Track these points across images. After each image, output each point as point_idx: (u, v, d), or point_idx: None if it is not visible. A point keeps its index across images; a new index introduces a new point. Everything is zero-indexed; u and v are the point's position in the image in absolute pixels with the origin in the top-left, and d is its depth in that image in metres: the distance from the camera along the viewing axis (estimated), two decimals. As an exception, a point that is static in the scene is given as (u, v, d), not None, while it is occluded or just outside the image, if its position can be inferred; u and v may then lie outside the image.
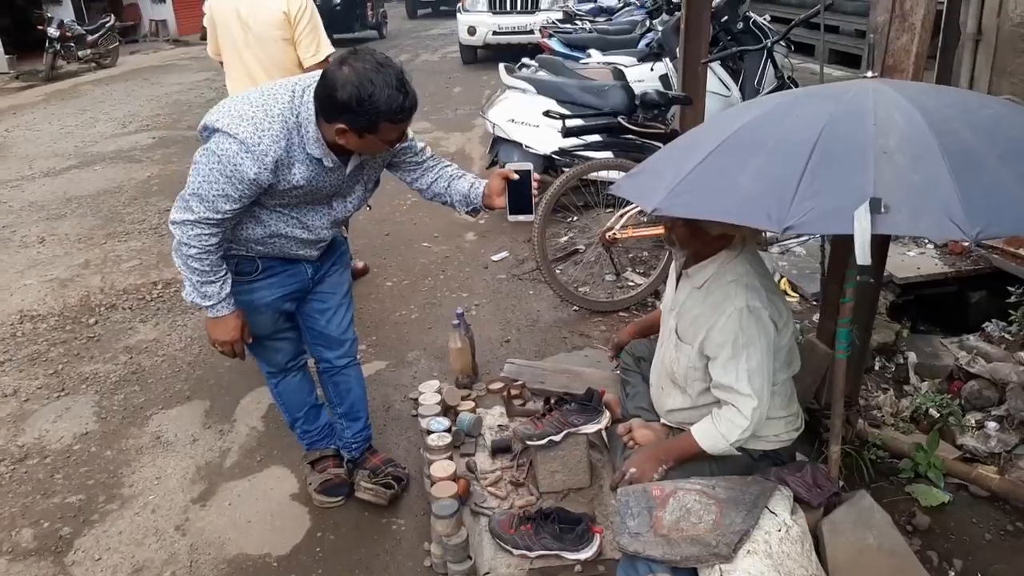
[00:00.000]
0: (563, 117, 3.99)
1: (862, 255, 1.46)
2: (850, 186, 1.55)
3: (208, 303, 2.18)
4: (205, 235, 2.08)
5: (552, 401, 2.91)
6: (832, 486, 2.16)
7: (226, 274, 2.20)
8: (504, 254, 4.83)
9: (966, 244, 3.97)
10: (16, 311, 4.38)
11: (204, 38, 3.99)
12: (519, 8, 12.14)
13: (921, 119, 1.63)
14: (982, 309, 3.81)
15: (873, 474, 2.64)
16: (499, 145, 5.41)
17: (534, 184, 2.35)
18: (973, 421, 3.05)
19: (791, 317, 2.24)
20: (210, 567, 2.48)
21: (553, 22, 9.53)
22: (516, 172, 2.33)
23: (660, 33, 5.91)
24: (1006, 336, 3.47)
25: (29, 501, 2.83)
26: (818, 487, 2.14)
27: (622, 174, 4.08)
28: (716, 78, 4.72)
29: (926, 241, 4.04)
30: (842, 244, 2.54)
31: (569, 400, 2.64)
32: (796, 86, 4.10)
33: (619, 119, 3.91)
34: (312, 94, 2.04)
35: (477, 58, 12.99)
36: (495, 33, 12.15)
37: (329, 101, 1.97)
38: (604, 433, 2.70)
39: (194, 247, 2.08)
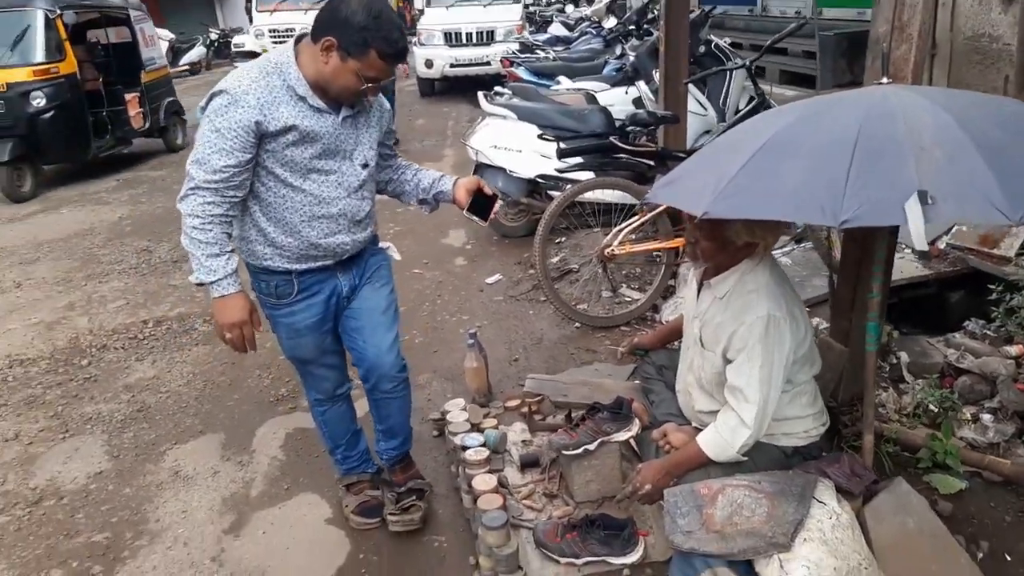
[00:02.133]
0: (558, 139, 4.11)
1: (919, 242, 1.57)
2: (896, 180, 1.66)
3: (214, 277, 2.12)
4: (208, 203, 2.08)
5: (571, 413, 2.99)
6: (869, 475, 2.26)
7: (232, 252, 2.18)
8: (498, 276, 4.90)
9: (942, 247, 4.19)
10: (3, 356, 4.27)
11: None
12: (475, 41, 12.35)
13: (949, 117, 1.76)
14: (961, 308, 4.00)
15: (892, 466, 2.76)
16: (482, 171, 5.49)
17: (496, 206, 2.58)
18: (969, 414, 3.20)
19: (809, 322, 2.35)
20: (254, 596, 2.46)
21: (514, 52, 9.74)
22: (490, 191, 2.54)
23: (635, 57, 6.11)
24: (988, 333, 3.66)
25: (53, 543, 2.76)
26: (856, 476, 2.24)
27: (617, 193, 4.23)
28: (693, 98, 4.91)
29: (904, 246, 4.25)
30: (854, 244, 2.68)
31: (601, 409, 2.70)
32: (771, 106, 4.29)
33: (611, 139, 4.03)
34: (291, 45, 2.14)
35: (435, 90, 13.15)
36: (452, 66, 12.32)
37: (330, 13, 2.05)
38: (633, 441, 2.77)
39: (198, 216, 2.08)
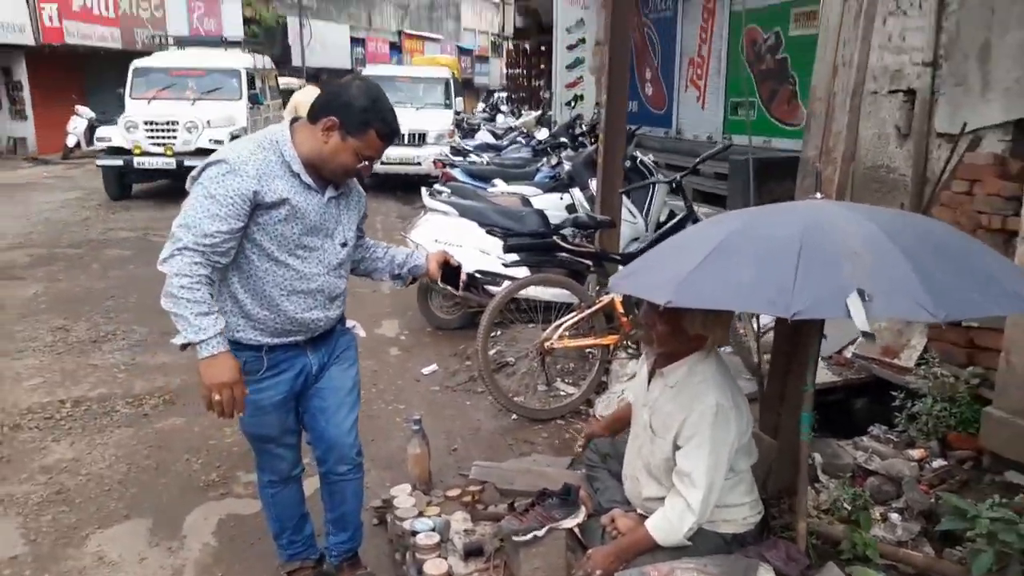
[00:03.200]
0: (506, 235, 4.32)
1: (864, 324, 1.78)
2: (837, 280, 1.89)
3: (204, 336, 2.10)
4: (195, 263, 2.10)
5: (514, 502, 3.05)
6: (804, 559, 2.41)
7: (220, 311, 2.19)
8: (434, 367, 4.97)
9: (849, 356, 4.54)
10: (-97, 433, 3.98)
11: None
12: (407, 142, 12.76)
13: (876, 229, 2.03)
14: (866, 414, 4.32)
15: (816, 557, 2.92)
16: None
17: (463, 275, 2.76)
18: (878, 513, 3.43)
19: (750, 413, 2.55)
20: None
21: (446, 155, 10.13)
22: (455, 262, 2.73)
23: (572, 166, 6.51)
24: (891, 437, 3.96)
25: (-36, 634, 2.56)
26: (793, 561, 2.39)
27: (552, 289, 4.44)
28: (625, 207, 5.26)
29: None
30: (784, 342, 2.92)
31: (550, 495, 2.78)
32: (699, 219, 4.66)
33: (555, 238, 4.27)
34: (287, 124, 2.27)
35: (364, 185, 13.33)
36: (383, 163, 12.62)
37: (333, 96, 2.23)
38: (577, 529, 2.84)
39: (185, 276, 2.09)
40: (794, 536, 2.60)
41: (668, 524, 2.35)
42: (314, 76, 13.17)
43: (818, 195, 2.43)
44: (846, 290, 1.83)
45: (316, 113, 2.24)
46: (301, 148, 2.24)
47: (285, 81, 18.34)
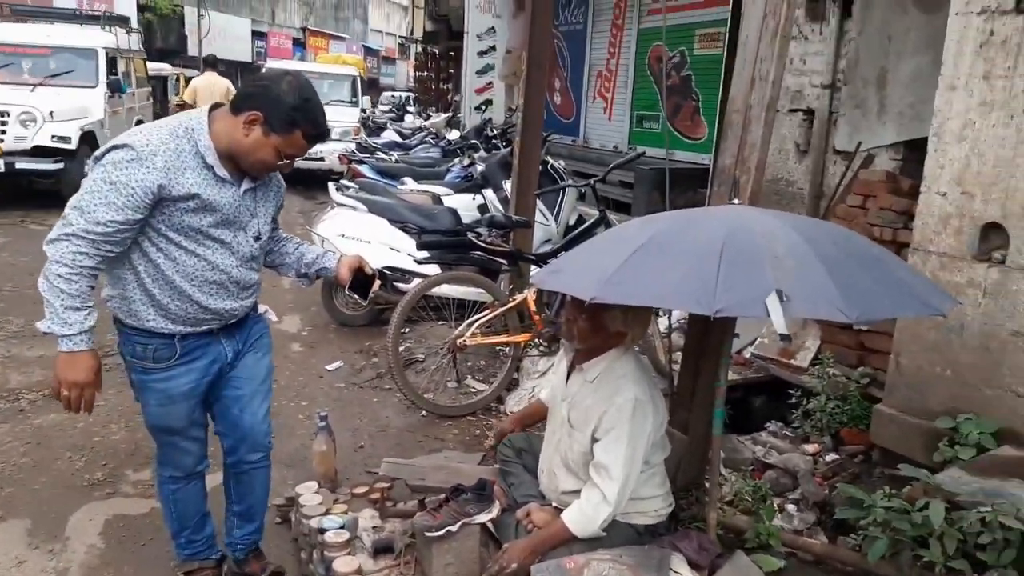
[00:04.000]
0: (420, 231, 4.26)
1: (782, 326, 1.85)
2: (757, 281, 1.96)
3: (68, 331, 2.01)
4: (80, 253, 1.98)
5: (424, 499, 2.99)
6: (715, 549, 2.48)
7: (93, 309, 2.07)
8: (339, 363, 4.83)
9: (748, 356, 4.72)
10: None
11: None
12: (312, 137, 12.41)
13: (795, 233, 2.11)
14: (764, 411, 4.51)
15: (722, 546, 3.01)
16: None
17: (376, 285, 2.60)
18: (776, 505, 3.59)
19: (666, 408, 2.60)
20: None
21: (352, 151, 9.93)
22: (370, 270, 2.57)
23: (485, 167, 6.51)
24: (787, 433, 4.15)
25: None
26: (704, 550, 2.46)
27: (462, 287, 4.41)
28: (538, 209, 5.30)
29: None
30: (695, 341, 3.00)
31: (464, 491, 2.74)
32: (612, 223, 4.76)
33: (470, 236, 4.24)
34: (205, 112, 2.14)
35: (269, 180, 12.94)
36: (284, 158, 12.26)
37: (262, 89, 2.10)
38: (491, 524, 2.81)
39: (65, 265, 1.97)
40: (703, 527, 2.67)
41: (584, 516, 2.36)
42: (212, 63, 12.35)
43: (735, 200, 2.51)
44: (766, 291, 1.90)
45: (240, 104, 2.12)
46: (219, 139, 2.11)
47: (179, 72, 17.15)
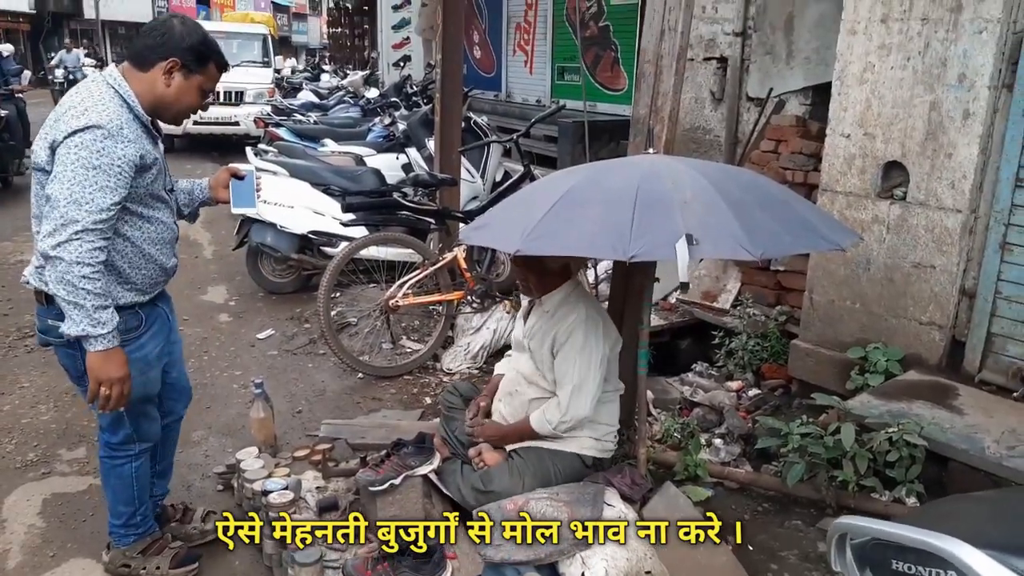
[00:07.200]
0: (344, 193, 4.22)
1: (684, 274, 1.96)
2: (668, 226, 2.06)
3: (102, 331, 2.01)
4: (96, 248, 1.97)
5: (366, 456, 3.05)
6: (647, 483, 2.63)
7: (113, 301, 2.09)
8: (270, 331, 4.79)
9: (673, 302, 4.90)
10: None
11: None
12: (222, 100, 12.00)
13: (704, 180, 2.22)
14: (690, 353, 4.71)
15: (653, 480, 3.17)
16: (249, 226, 5.37)
17: (256, 181, 2.56)
18: (703, 440, 3.79)
19: (618, 335, 2.72)
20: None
21: (268, 114, 9.65)
22: (243, 172, 2.53)
23: (407, 126, 6.42)
24: (712, 373, 4.36)
25: None
26: (637, 485, 2.60)
27: (392, 249, 4.42)
28: (463, 167, 5.30)
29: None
30: (621, 286, 3.11)
31: (404, 445, 2.80)
32: (535, 177, 4.80)
33: (395, 196, 4.23)
34: (113, 70, 2.14)
35: (175, 147, 12.44)
36: (196, 123, 11.79)
37: (160, 37, 2.12)
38: (434, 475, 2.89)
39: (88, 265, 1.95)
40: (635, 463, 2.81)
41: (543, 418, 2.56)
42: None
43: (650, 150, 2.59)
44: (676, 235, 2.00)
45: (145, 57, 2.13)
46: (143, 97, 2.13)
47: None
